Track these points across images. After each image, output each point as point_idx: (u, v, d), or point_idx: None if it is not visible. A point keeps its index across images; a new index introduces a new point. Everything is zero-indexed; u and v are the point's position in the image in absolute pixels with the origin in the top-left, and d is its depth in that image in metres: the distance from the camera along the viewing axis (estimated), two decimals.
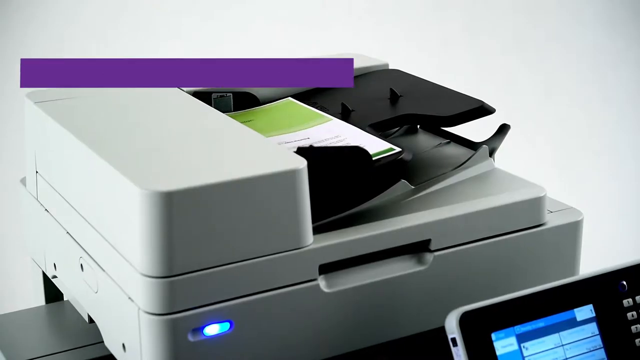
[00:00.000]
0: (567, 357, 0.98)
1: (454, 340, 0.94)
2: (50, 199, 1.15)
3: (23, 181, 1.24)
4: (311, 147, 1.10)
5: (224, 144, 1.04)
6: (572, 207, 1.16)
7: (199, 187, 0.92)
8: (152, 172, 0.96)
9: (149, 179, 0.94)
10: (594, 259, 1.32)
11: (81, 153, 1.04)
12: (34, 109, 1.15)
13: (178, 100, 1.18)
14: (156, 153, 1.01)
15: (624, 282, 1.02)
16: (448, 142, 1.27)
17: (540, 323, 0.97)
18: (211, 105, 1.23)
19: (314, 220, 0.99)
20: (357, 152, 1.05)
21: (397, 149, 1.09)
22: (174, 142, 1.04)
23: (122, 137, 1.06)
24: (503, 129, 1.23)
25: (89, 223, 1.04)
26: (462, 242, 1.07)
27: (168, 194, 0.91)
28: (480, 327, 0.95)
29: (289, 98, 1.29)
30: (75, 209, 1.07)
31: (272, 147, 1.02)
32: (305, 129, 1.18)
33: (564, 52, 2.65)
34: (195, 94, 1.23)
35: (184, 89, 1.22)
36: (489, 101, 1.20)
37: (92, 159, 1.01)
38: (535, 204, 1.10)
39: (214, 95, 1.25)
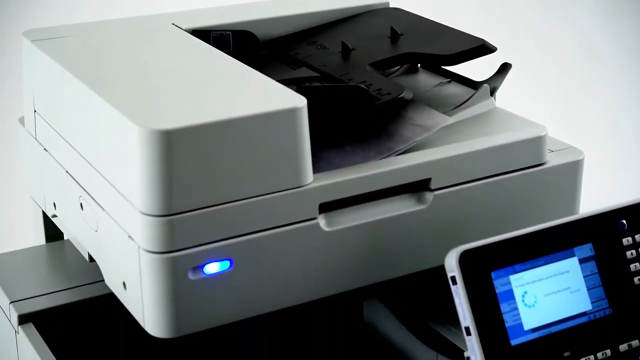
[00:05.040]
0: (566, 295, 0.98)
1: (453, 278, 0.94)
2: (49, 139, 1.14)
3: (21, 120, 1.23)
4: (312, 85, 1.10)
5: (224, 82, 1.03)
6: (572, 147, 1.15)
7: (199, 125, 0.92)
8: (152, 111, 0.96)
9: (148, 117, 0.93)
10: (594, 198, 1.32)
11: (79, 92, 1.03)
12: (31, 47, 1.14)
13: (177, 39, 1.17)
14: (155, 91, 1.00)
15: (624, 221, 1.02)
16: (449, 81, 1.26)
17: (540, 262, 0.97)
18: (210, 44, 1.22)
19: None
20: (357, 91, 1.05)
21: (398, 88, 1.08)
22: (173, 81, 1.03)
23: (121, 75, 1.05)
24: (504, 68, 1.22)
25: (88, 162, 1.04)
26: (462, 181, 1.07)
27: (167, 133, 0.90)
28: (479, 266, 0.95)
29: None
30: (74, 148, 1.07)
31: (273, 85, 1.02)
32: None
33: None
34: (194, 32, 1.22)
35: (183, 27, 1.21)
36: (490, 40, 1.19)
37: (90, 97, 1.01)
38: (536, 143, 1.10)
39: (213, 34, 1.24)
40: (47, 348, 1.09)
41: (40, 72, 1.14)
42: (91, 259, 1.10)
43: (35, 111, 1.17)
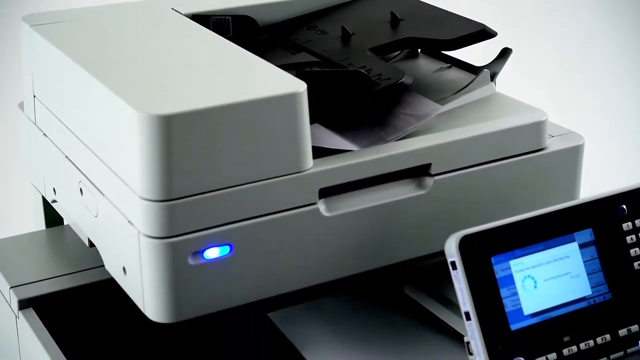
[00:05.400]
0: (566, 280, 0.98)
1: (453, 263, 0.94)
2: (48, 124, 1.14)
3: (21, 106, 1.23)
4: (312, 71, 1.09)
5: (224, 67, 1.03)
6: (573, 132, 1.15)
7: (198, 110, 0.91)
8: (151, 96, 0.95)
9: (148, 102, 0.93)
10: (595, 183, 1.31)
11: (79, 77, 1.03)
12: (30, 32, 1.14)
13: (176, 24, 1.17)
14: (155, 76, 1.00)
15: (624, 206, 1.02)
16: (449, 67, 1.26)
17: (540, 247, 0.97)
18: (210, 29, 1.21)
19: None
20: (357, 76, 1.05)
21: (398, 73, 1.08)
22: (172, 66, 1.03)
23: (120, 60, 1.05)
24: (505, 53, 1.22)
25: (87, 147, 1.04)
26: (463, 166, 1.06)
27: (167, 118, 0.90)
28: (479, 251, 0.95)
29: None
30: (73, 133, 1.07)
31: (273, 70, 1.01)
32: None
33: None
34: (194, 17, 1.21)
35: (182, 12, 1.21)
36: (490, 25, 1.19)
37: (90, 82, 1.00)
38: (536, 128, 1.10)
39: (212, 19, 1.24)
40: (48, 333, 1.09)
41: (39, 57, 1.14)
42: (91, 244, 1.10)
43: (34, 96, 1.17)
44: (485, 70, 1.18)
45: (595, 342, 0.97)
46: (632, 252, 1.01)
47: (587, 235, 1.00)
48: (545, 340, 0.96)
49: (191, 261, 0.94)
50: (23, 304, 1.14)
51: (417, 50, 1.30)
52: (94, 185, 1.03)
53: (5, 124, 2.14)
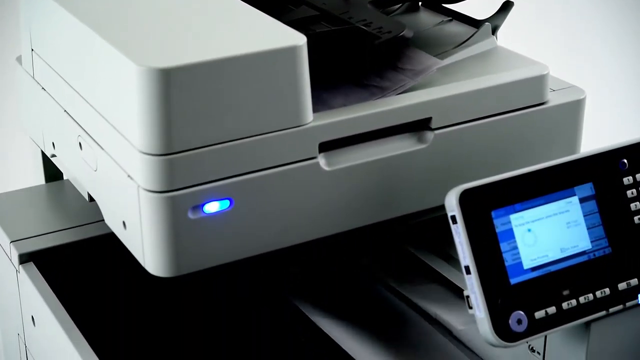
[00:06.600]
0: (566, 234, 0.98)
1: (453, 217, 0.94)
2: (47, 78, 1.13)
3: (19, 59, 1.22)
4: (308, 33, 1.09)
5: (224, 20, 1.02)
6: (574, 86, 1.15)
7: (198, 63, 0.91)
8: (150, 49, 0.95)
9: (147, 55, 0.93)
10: (596, 137, 1.31)
11: (77, 30, 1.02)
12: None
13: None
14: (154, 29, 0.99)
15: (625, 160, 1.01)
16: (450, 20, 1.25)
17: (540, 201, 0.97)
18: None
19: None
20: (356, 32, 1.04)
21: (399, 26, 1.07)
22: (172, 19, 1.02)
23: (119, 13, 1.04)
24: (506, 7, 1.21)
25: (86, 101, 1.03)
26: (463, 120, 1.06)
27: (166, 71, 0.90)
28: (480, 205, 0.95)
29: None
30: (72, 87, 1.06)
31: (272, 23, 1.01)
32: None
33: None
34: None
35: None
36: None
37: (88, 35, 1.00)
38: (538, 82, 1.09)
39: None
40: (48, 287, 1.10)
41: (37, 10, 1.13)
42: (91, 199, 1.10)
43: (32, 50, 1.16)
44: (487, 23, 1.17)
45: (594, 295, 0.98)
46: (633, 206, 1.01)
47: (587, 189, 0.99)
48: (544, 294, 0.96)
49: (191, 215, 0.94)
50: (23, 258, 1.14)
51: (418, 4, 1.29)
52: (93, 140, 1.03)
53: (3, 78, 2.13)
